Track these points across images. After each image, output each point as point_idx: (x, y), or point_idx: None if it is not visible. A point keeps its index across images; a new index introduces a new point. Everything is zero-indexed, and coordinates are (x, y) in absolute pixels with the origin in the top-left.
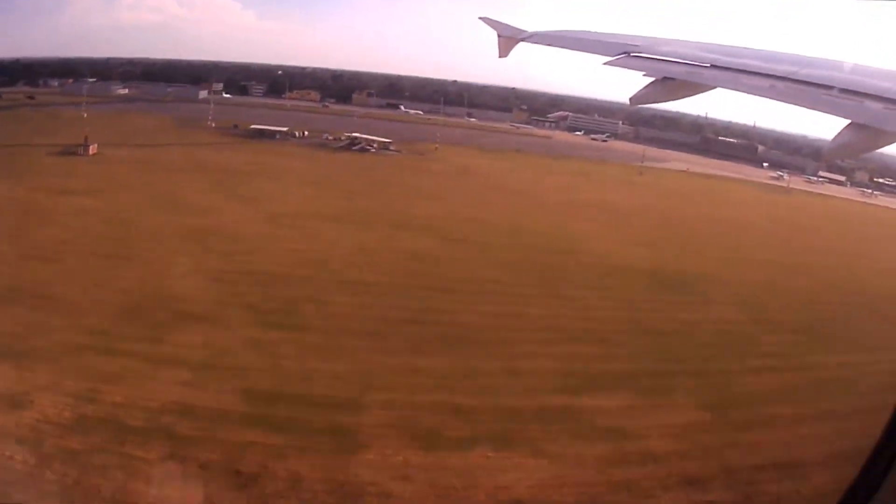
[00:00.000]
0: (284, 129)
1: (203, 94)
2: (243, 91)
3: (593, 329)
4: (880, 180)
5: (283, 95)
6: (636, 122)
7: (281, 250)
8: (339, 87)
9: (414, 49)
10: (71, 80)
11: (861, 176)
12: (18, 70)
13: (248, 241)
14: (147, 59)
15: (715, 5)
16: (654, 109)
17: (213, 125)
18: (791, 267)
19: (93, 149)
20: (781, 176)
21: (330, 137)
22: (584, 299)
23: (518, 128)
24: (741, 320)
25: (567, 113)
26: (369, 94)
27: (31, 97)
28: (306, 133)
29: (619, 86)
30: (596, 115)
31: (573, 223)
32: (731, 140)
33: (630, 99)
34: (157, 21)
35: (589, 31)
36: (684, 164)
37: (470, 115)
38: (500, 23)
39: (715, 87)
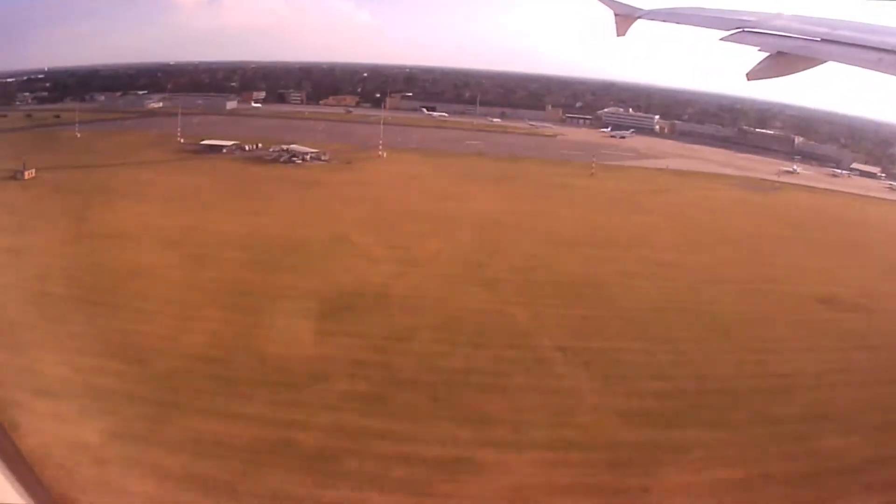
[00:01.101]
0: (231, 143)
1: (231, 104)
2: (281, 99)
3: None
4: None
5: (321, 102)
6: (680, 117)
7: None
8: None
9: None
10: (119, 94)
11: None
12: (73, 83)
13: None
14: (246, 62)
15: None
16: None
17: (182, 141)
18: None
19: (28, 174)
20: (793, 170)
21: (272, 150)
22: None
23: (535, 127)
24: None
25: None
26: (403, 97)
27: (57, 116)
28: (258, 146)
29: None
30: (630, 110)
31: (356, 235)
32: (769, 132)
33: (746, 75)
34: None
35: (703, 8)
36: (683, 161)
37: (503, 115)
38: (616, 1)
39: (827, 61)
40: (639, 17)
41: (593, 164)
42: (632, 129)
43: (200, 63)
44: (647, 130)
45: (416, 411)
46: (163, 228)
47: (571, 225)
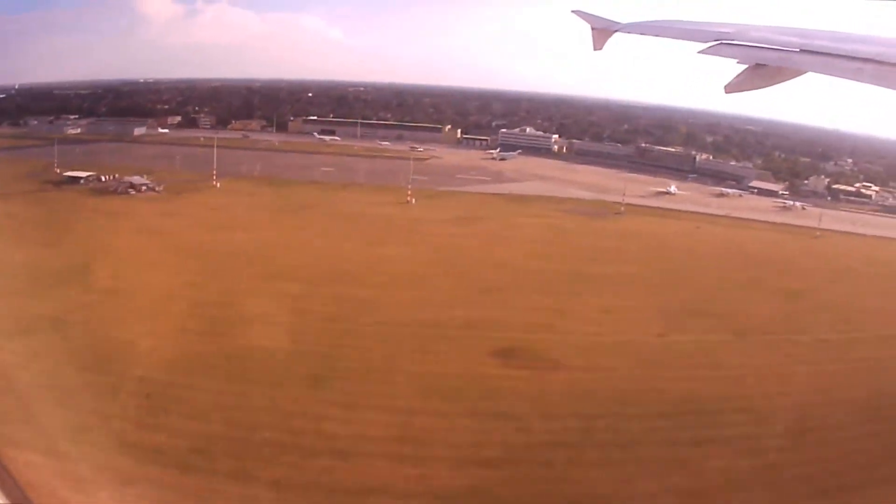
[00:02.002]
0: (88, 175)
1: (140, 130)
2: (192, 123)
3: None
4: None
5: (228, 126)
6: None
7: None
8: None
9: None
10: (51, 119)
11: (817, 183)
12: (12, 107)
13: None
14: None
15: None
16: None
17: (58, 171)
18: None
19: None
20: (669, 191)
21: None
22: None
23: (416, 150)
24: None
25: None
26: (305, 121)
27: None
28: (115, 176)
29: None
30: (528, 129)
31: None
32: (671, 150)
33: (724, 87)
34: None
35: (681, 21)
36: (543, 184)
37: (399, 137)
38: (594, 15)
39: (806, 72)
40: (616, 31)
41: (409, 192)
42: (519, 150)
43: (162, 81)
44: (542, 151)
45: None
46: None
47: (307, 257)
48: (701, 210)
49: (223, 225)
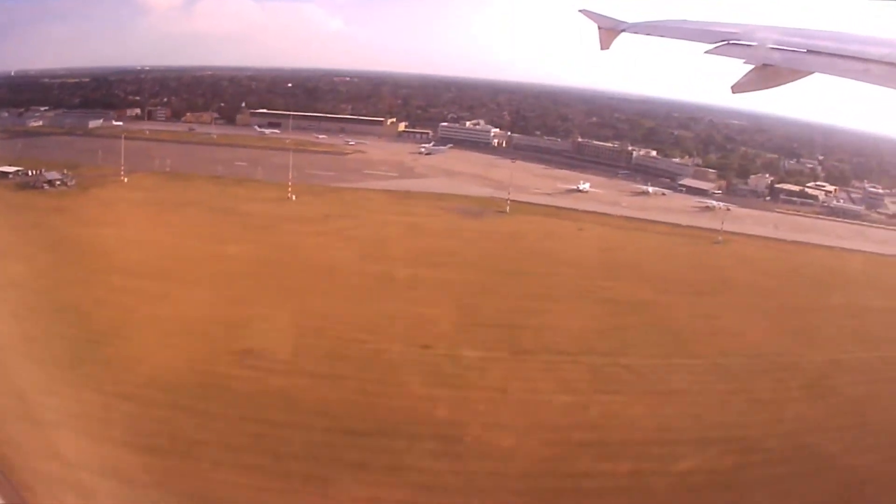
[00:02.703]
0: (15, 170)
1: (95, 123)
2: (149, 116)
3: None
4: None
5: (182, 118)
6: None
7: None
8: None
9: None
10: (21, 111)
11: (759, 182)
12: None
13: None
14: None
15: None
16: None
17: None
18: None
19: None
20: (578, 188)
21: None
22: None
23: (349, 144)
24: None
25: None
26: (252, 114)
27: None
28: (41, 171)
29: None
30: (467, 124)
31: None
32: (608, 145)
33: (731, 88)
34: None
35: (687, 21)
36: (447, 181)
37: (342, 130)
38: (600, 15)
39: (813, 73)
40: (623, 31)
41: (289, 188)
42: (450, 145)
43: (157, 69)
44: (481, 145)
45: None
46: None
47: (145, 253)
48: (603, 210)
49: (99, 221)
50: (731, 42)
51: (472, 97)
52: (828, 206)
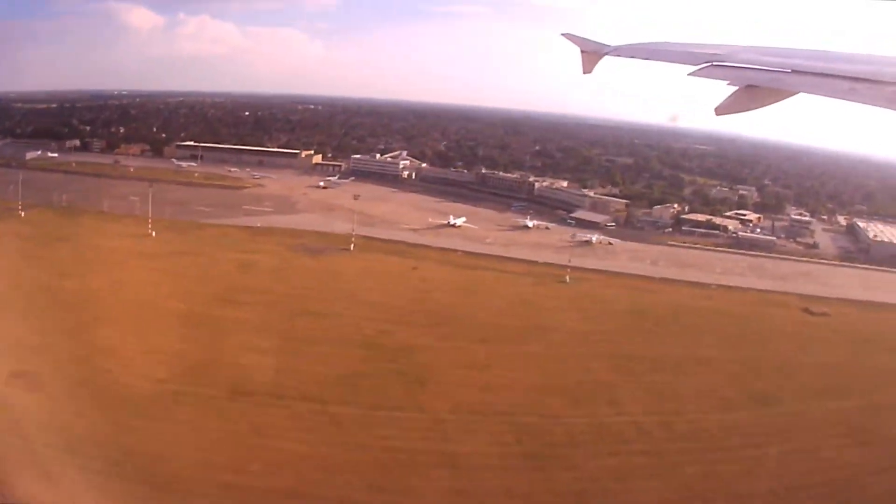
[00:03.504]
0: None
1: (32, 154)
2: (85, 147)
3: None
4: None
5: (115, 151)
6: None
7: None
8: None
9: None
10: None
11: (663, 213)
12: None
13: None
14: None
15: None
16: None
17: None
18: None
19: None
20: (450, 223)
21: None
22: None
23: (254, 177)
24: None
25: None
26: (178, 146)
27: None
28: None
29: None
30: (387, 157)
31: None
32: (511, 176)
33: (715, 109)
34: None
35: (670, 43)
36: (314, 217)
37: (260, 163)
38: (583, 38)
39: (798, 93)
40: (606, 54)
41: (149, 225)
42: (352, 178)
43: (136, 93)
44: (388, 178)
45: None
46: None
47: None
48: (464, 247)
49: None
50: (714, 63)
51: (426, 124)
52: (734, 237)
